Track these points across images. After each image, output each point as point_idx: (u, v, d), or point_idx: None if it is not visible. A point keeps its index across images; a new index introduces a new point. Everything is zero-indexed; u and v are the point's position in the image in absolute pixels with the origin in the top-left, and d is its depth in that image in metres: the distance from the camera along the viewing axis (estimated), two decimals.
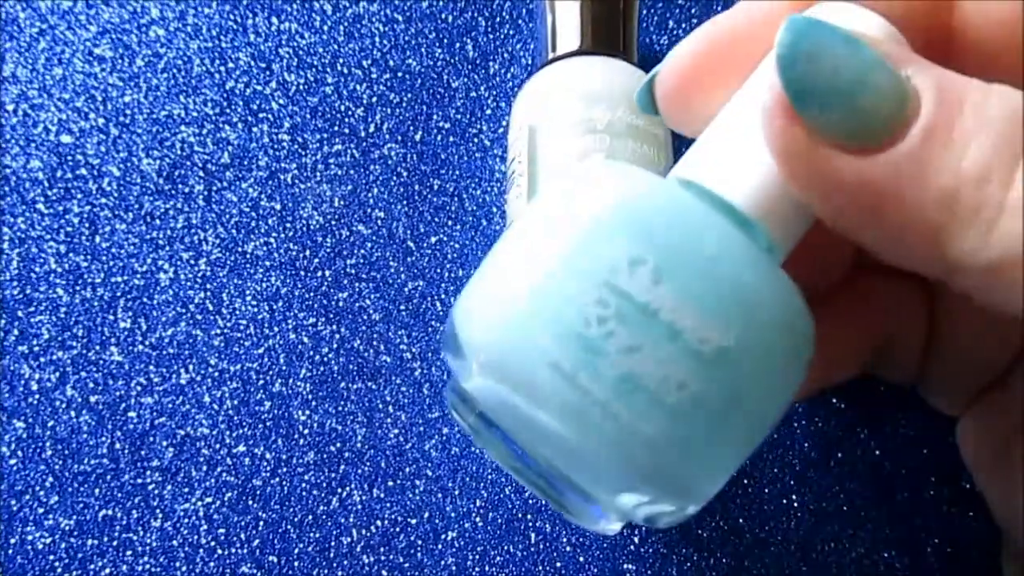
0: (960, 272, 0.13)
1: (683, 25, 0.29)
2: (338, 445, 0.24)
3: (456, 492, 0.24)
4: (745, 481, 0.24)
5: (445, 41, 0.28)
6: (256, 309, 0.25)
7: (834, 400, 0.25)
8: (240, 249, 0.26)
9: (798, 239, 0.16)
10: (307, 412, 0.24)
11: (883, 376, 0.23)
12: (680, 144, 0.25)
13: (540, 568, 0.23)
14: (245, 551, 0.23)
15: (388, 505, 0.24)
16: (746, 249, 0.14)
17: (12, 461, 0.23)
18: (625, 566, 0.24)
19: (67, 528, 0.23)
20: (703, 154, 0.16)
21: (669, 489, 0.15)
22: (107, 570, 0.23)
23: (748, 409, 0.15)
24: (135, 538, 0.23)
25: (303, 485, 0.24)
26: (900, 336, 0.21)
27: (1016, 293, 0.13)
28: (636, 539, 0.24)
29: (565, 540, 0.24)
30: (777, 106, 0.14)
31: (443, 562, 0.23)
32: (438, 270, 0.26)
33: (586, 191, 0.15)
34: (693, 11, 0.29)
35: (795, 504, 0.24)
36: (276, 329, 0.25)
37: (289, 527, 0.23)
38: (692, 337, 0.13)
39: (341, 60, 0.28)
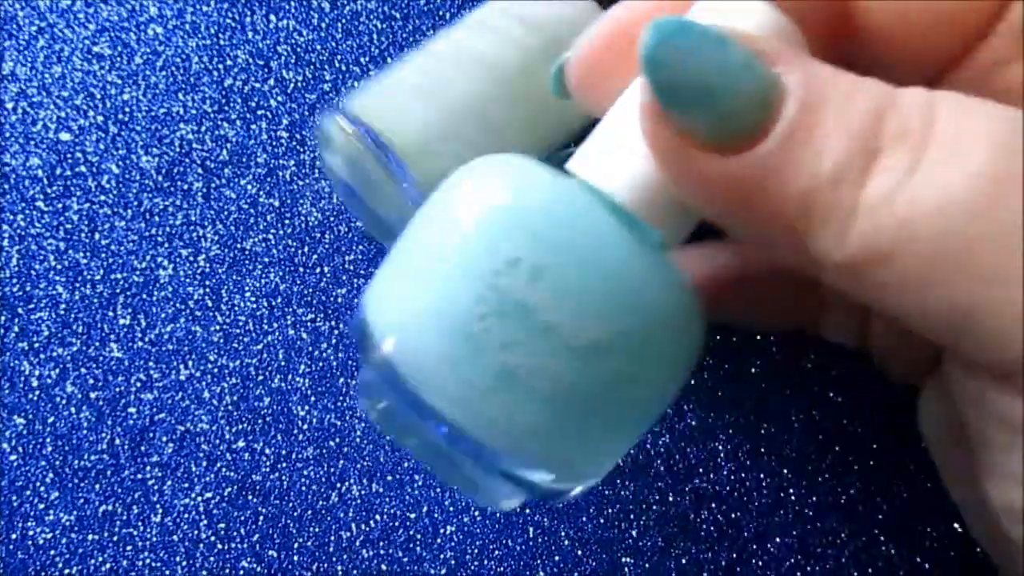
0: (823, 272, 0.14)
1: None
2: (337, 440, 0.24)
3: (455, 487, 0.24)
4: (743, 475, 0.25)
5: None
6: (255, 305, 0.25)
7: (831, 394, 0.25)
8: (239, 246, 0.26)
9: (688, 231, 0.16)
10: (306, 407, 0.24)
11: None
12: None
13: (538, 562, 0.23)
14: (245, 546, 0.23)
15: (387, 500, 0.24)
16: (629, 245, 0.15)
17: (12, 457, 0.23)
18: (623, 560, 0.24)
19: (67, 523, 0.23)
20: (592, 150, 0.16)
21: (559, 470, 0.16)
22: (107, 565, 0.23)
23: (629, 397, 0.15)
24: (135, 533, 0.23)
25: (302, 480, 0.24)
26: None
27: (876, 293, 0.13)
28: (634, 532, 0.24)
29: (563, 534, 0.24)
30: (647, 106, 0.14)
31: (442, 556, 0.23)
32: None
33: (474, 189, 0.16)
34: None
35: (792, 498, 0.24)
36: (275, 325, 0.25)
37: (289, 522, 0.23)
38: (566, 332, 0.14)
39: (339, 57, 0.28)
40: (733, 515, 0.24)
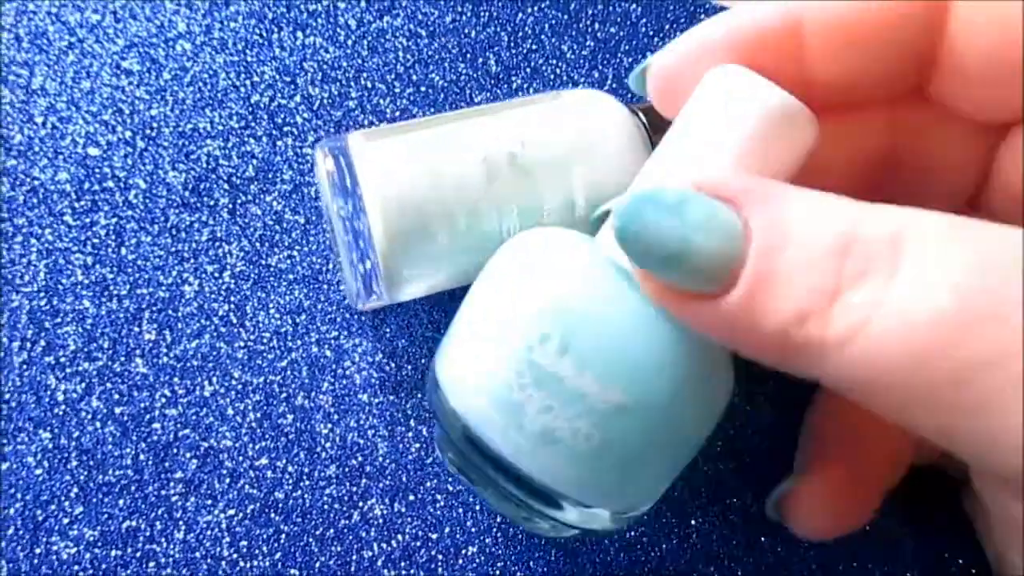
0: (826, 383, 0.14)
1: None
2: (360, 459, 0.24)
3: (477, 507, 0.24)
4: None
5: (468, 56, 0.29)
6: (279, 322, 0.25)
7: None
8: (264, 262, 0.26)
9: None
10: (329, 425, 0.24)
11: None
12: None
13: None
14: (267, 563, 0.23)
15: (409, 519, 0.24)
16: (651, 319, 0.17)
17: (38, 471, 0.23)
18: None
19: (91, 539, 0.23)
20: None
21: (610, 505, 0.18)
22: None
23: (661, 445, 0.18)
24: (158, 549, 0.23)
25: (325, 498, 0.24)
26: None
27: (877, 411, 0.14)
28: (656, 556, 0.24)
29: (585, 557, 0.24)
30: (634, 265, 0.16)
31: None
32: None
33: (513, 269, 0.19)
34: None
35: None
36: (299, 342, 0.25)
37: (311, 540, 0.23)
38: (594, 398, 0.17)
39: (365, 75, 0.28)
40: (756, 541, 0.24)
